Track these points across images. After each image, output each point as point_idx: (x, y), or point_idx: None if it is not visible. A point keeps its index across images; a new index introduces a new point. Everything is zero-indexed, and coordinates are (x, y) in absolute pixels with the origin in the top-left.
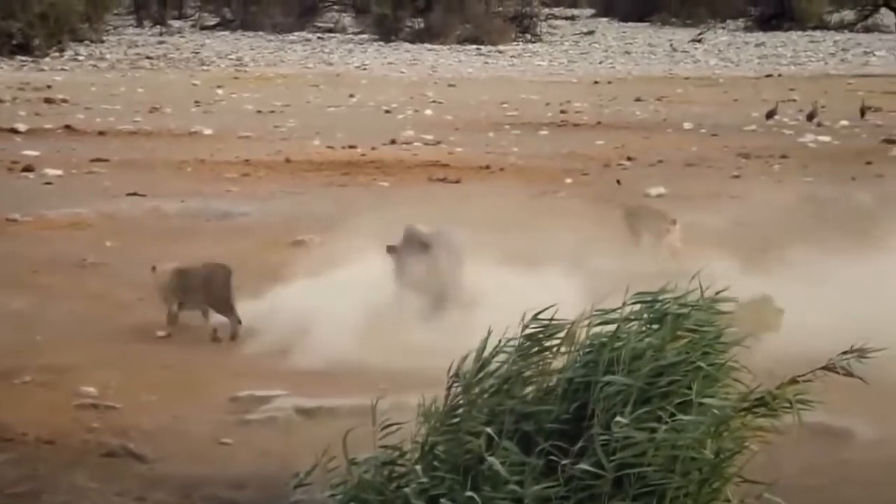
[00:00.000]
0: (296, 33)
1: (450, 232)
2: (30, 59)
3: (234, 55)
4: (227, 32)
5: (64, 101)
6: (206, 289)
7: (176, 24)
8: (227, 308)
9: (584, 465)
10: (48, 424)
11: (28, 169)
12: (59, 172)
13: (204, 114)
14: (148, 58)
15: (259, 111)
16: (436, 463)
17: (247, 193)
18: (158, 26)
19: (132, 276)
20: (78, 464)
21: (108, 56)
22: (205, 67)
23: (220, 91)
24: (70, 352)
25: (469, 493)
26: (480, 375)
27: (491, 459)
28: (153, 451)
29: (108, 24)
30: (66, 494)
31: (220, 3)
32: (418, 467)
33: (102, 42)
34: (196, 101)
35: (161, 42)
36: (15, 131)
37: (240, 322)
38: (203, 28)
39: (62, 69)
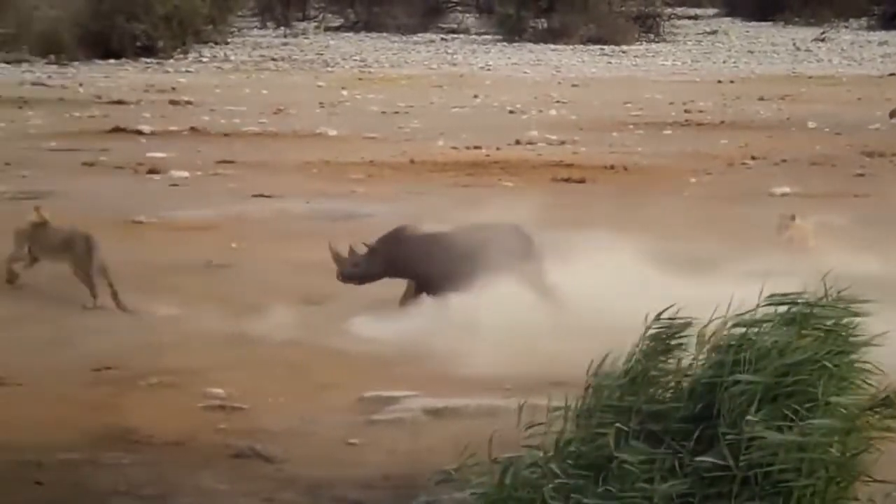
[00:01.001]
0: (420, 34)
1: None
2: (154, 60)
3: (358, 56)
4: (351, 34)
5: (189, 102)
6: (65, 251)
7: (300, 25)
8: (84, 277)
9: (714, 461)
10: (175, 426)
11: (154, 171)
12: (184, 174)
13: (329, 115)
14: (272, 59)
15: (383, 112)
16: (569, 461)
17: (371, 194)
18: (282, 28)
19: (257, 277)
20: (206, 465)
21: (232, 58)
22: (329, 69)
23: (344, 92)
24: (196, 353)
25: (601, 490)
26: (615, 375)
27: (622, 456)
28: (281, 452)
29: (233, 26)
30: (193, 496)
31: (344, 4)
32: (553, 465)
33: (227, 44)
34: (321, 103)
35: (285, 43)
36: (140, 133)
37: (94, 297)
38: (327, 29)
39: (187, 71)
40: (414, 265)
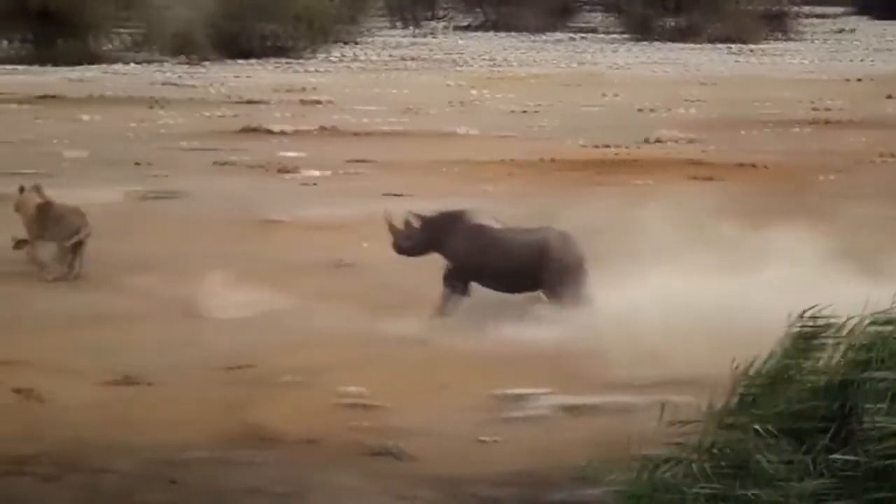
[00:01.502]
0: (549, 33)
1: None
2: (285, 60)
3: (488, 56)
4: (480, 33)
5: (320, 102)
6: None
7: (430, 25)
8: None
9: (849, 458)
10: (309, 424)
11: (285, 170)
12: (317, 173)
13: (460, 114)
14: (403, 59)
15: (513, 111)
16: (710, 463)
17: (502, 193)
18: (412, 27)
19: (388, 277)
20: (339, 463)
21: (363, 57)
22: (459, 68)
23: (474, 91)
24: (328, 351)
25: (740, 493)
26: (756, 375)
27: (761, 456)
28: (415, 450)
29: (363, 26)
30: (327, 494)
31: (473, 3)
32: (697, 467)
33: (357, 43)
34: (451, 102)
35: (415, 43)
36: (272, 132)
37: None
38: (457, 29)
39: (318, 71)
40: (456, 250)
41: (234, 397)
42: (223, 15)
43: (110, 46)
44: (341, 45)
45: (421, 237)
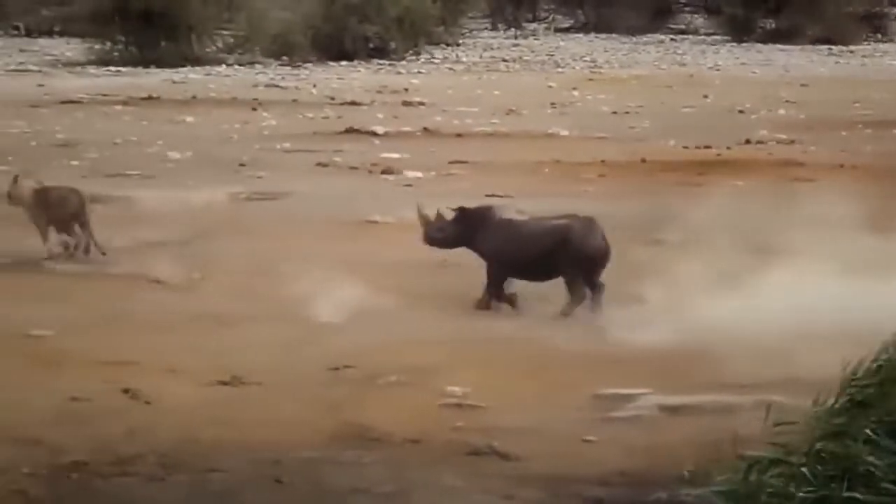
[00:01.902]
0: (649, 35)
1: None
2: (387, 62)
3: (588, 57)
4: (580, 35)
5: (421, 103)
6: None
7: (530, 27)
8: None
9: None
10: (414, 424)
11: (387, 171)
12: (418, 174)
13: (560, 115)
14: (503, 60)
15: (614, 112)
16: (818, 466)
17: (602, 193)
18: (513, 29)
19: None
20: (444, 463)
21: (464, 59)
22: (560, 69)
23: (575, 93)
24: (433, 351)
25: (847, 495)
26: (869, 376)
27: (869, 459)
28: (518, 450)
29: (464, 28)
30: (432, 494)
31: (573, 5)
32: (805, 470)
33: (458, 45)
34: (552, 103)
35: (516, 45)
36: (374, 134)
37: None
38: (557, 31)
39: (419, 72)
40: (487, 244)
41: (338, 397)
42: (324, 17)
43: (212, 48)
44: (443, 46)
45: (453, 231)
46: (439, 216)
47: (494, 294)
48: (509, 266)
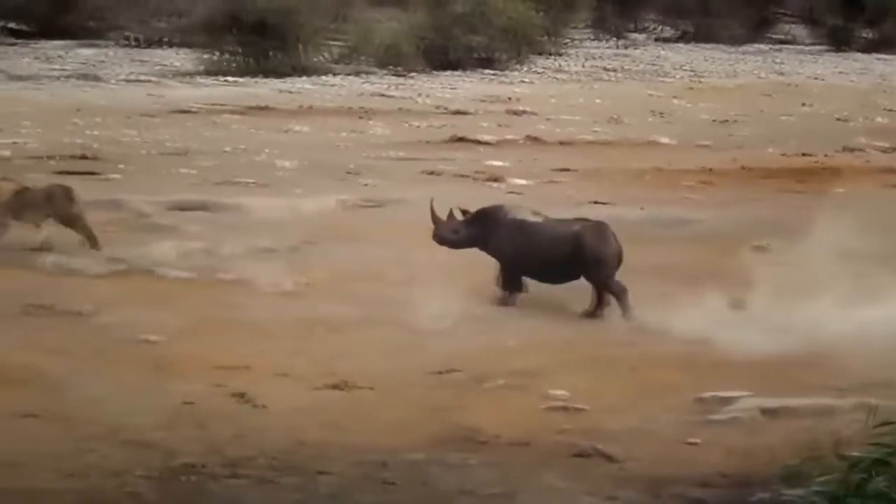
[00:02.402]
0: (749, 45)
1: None
2: (492, 72)
3: (689, 66)
4: (682, 44)
5: (526, 112)
6: (49, 206)
7: (632, 37)
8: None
9: None
10: (520, 427)
11: (493, 179)
12: (523, 182)
13: (662, 123)
14: (606, 69)
15: (714, 120)
16: None
17: (703, 201)
18: (616, 39)
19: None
20: (549, 464)
21: (567, 68)
22: (661, 79)
23: (676, 101)
24: (536, 355)
25: None
26: None
27: None
28: (622, 451)
29: (568, 38)
30: (538, 494)
31: (675, 16)
32: None
33: (562, 55)
34: (654, 111)
35: (618, 54)
36: (480, 142)
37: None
38: (659, 40)
39: (523, 81)
40: (498, 244)
41: (445, 401)
42: (431, 28)
43: (320, 59)
44: (547, 56)
45: (466, 232)
46: (451, 217)
47: (513, 291)
48: (522, 267)
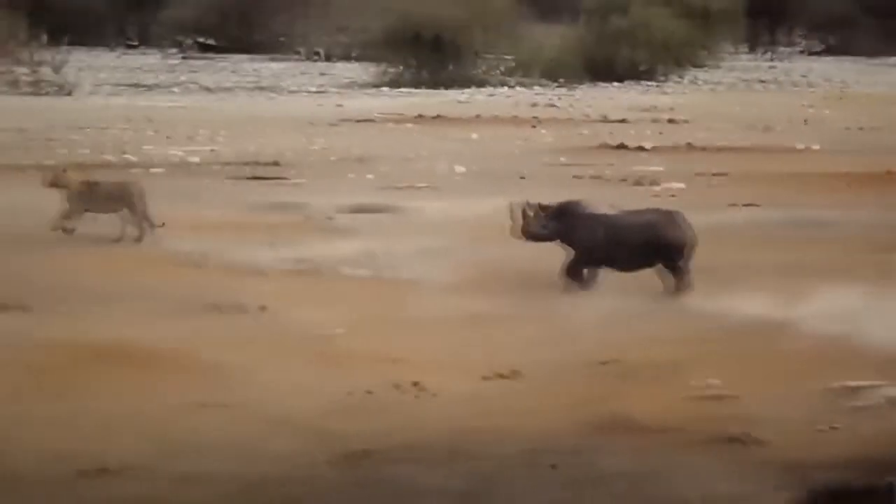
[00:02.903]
0: (890, 56)
1: None
2: (653, 83)
3: (838, 78)
4: (828, 57)
5: (685, 121)
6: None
7: (783, 50)
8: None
9: None
10: (671, 414)
11: (653, 182)
12: (681, 185)
13: (811, 131)
14: (760, 81)
15: (860, 128)
16: None
17: (851, 202)
18: (769, 53)
19: (746, 277)
20: (699, 450)
21: (723, 80)
22: (811, 89)
23: (825, 111)
24: (688, 347)
25: None
26: None
27: None
28: (767, 437)
29: (723, 52)
30: (689, 477)
31: (824, 31)
32: None
33: (718, 68)
34: (804, 120)
35: (771, 67)
36: (642, 149)
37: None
38: (810, 54)
39: (682, 92)
40: (580, 236)
41: (602, 390)
42: (596, 43)
43: (495, 72)
44: (705, 69)
45: (553, 226)
46: (537, 213)
47: (581, 281)
48: (601, 257)
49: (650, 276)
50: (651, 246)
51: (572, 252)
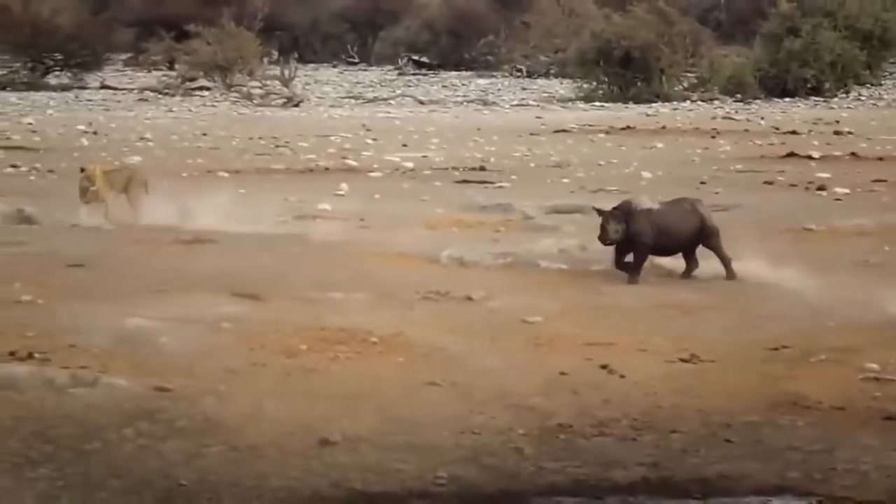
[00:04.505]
0: None
1: None
2: (821, 99)
3: None
4: None
5: (849, 132)
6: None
7: None
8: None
9: None
10: (838, 394)
11: (820, 188)
12: (846, 191)
13: None
14: None
15: None
16: None
17: None
18: None
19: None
20: (862, 426)
21: (885, 96)
22: None
23: None
24: (853, 335)
25: None
26: None
27: None
28: None
29: (885, 70)
30: (852, 451)
31: None
32: None
33: (881, 85)
34: None
35: None
36: (810, 158)
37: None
38: None
39: (847, 107)
40: (639, 232)
41: (778, 372)
42: (770, 62)
43: (678, 88)
44: (868, 86)
45: (623, 229)
46: (608, 220)
47: (639, 271)
48: (656, 248)
49: (824, 271)
50: (699, 230)
51: (632, 247)
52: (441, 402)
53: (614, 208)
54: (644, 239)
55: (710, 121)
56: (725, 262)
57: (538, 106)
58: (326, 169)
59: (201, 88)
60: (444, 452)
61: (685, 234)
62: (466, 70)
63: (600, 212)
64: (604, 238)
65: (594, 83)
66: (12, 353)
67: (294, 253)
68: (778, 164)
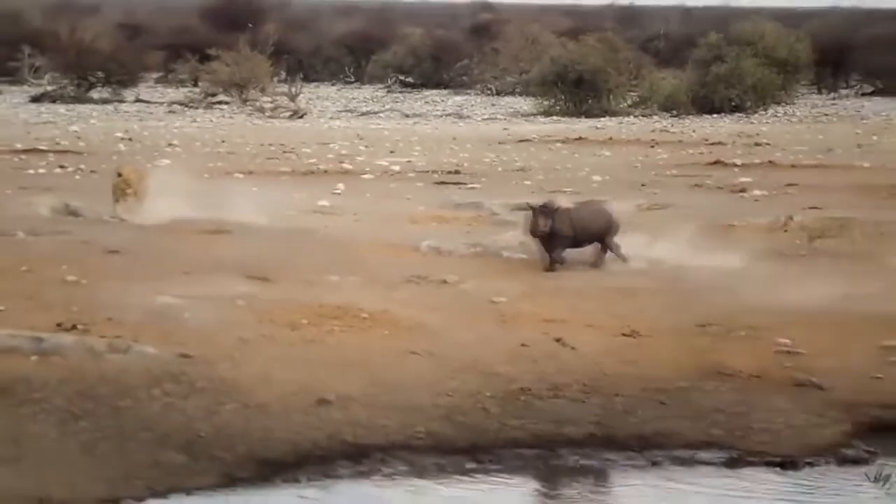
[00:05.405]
0: None
1: None
2: (743, 115)
3: (884, 113)
4: (878, 97)
5: (767, 144)
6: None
7: (843, 91)
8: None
9: None
10: (755, 364)
11: (741, 190)
12: (763, 192)
13: (863, 153)
14: (824, 114)
15: None
16: None
17: (884, 206)
18: (832, 93)
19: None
20: (776, 392)
21: (797, 113)
22: (864, 121)
23: (874, 137)
24: (768, 315)
25: None
26: None
27: None
28: (829, 383)
29: (797, 92)
30: (767, 413)
31: (873, 76)
32: None
33: (793, 104)
34: (858, 144)
35: (833, 104)
36: (734, 165)
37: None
38: (863, 94)
39: (766, 123)
40: (561, 227)
41: (705, 345)
42: (700, 83)
43: (623, 105)
44: (783, 104)
45: (549, 223)
46: (537, 215)
47: (558, 260)
48: (571, 241)
49: (752, 259)
50: (606, 227)
51: (554, 240)
52: (420, 369)
53: (541, 206)
54: (565, 232)
55: (649, 133)
56: (618, 251)
57: (505, 119)
58: (325, 171)
59: (221, 103)
60: (423, 411)
61: (596, 229)
62: (445, 89)
63: (532, 207)
64: (534, 231)
65: (552, 100)
66: (59, 325)
67: (298, 242)
68: (706, 170)
